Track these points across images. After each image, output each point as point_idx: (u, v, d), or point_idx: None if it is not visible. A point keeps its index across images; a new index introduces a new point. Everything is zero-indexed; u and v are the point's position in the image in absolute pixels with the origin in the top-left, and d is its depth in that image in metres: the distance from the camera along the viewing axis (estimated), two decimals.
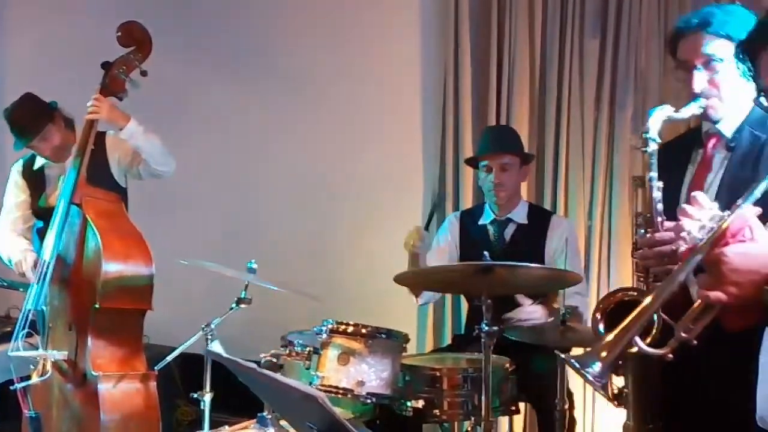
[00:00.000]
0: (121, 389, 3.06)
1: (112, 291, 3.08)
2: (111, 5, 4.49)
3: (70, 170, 3.28)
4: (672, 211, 1.49)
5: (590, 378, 1.39)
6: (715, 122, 2.14)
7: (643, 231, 2.03)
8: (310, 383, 2.80)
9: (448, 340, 4.05)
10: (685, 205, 1.51)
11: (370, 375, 2.81)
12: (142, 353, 3.18)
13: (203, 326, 2.93)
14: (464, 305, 3.88)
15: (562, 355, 1.46)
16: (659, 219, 2.01)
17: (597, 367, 1.39)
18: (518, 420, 3.83)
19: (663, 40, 3.93)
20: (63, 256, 3.20)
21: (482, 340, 2.71)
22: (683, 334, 1.45)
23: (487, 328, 2.70)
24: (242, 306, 3.02)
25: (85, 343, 3.08)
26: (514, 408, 3.05)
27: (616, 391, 2.28)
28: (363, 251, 4.37)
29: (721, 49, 2.06)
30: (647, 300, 1.45)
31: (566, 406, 2.97)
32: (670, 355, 1.45)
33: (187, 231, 4.53)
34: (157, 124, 3.54)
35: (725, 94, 2.09)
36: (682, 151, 2.24)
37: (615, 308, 2.03)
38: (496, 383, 2.88)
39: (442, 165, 4.25)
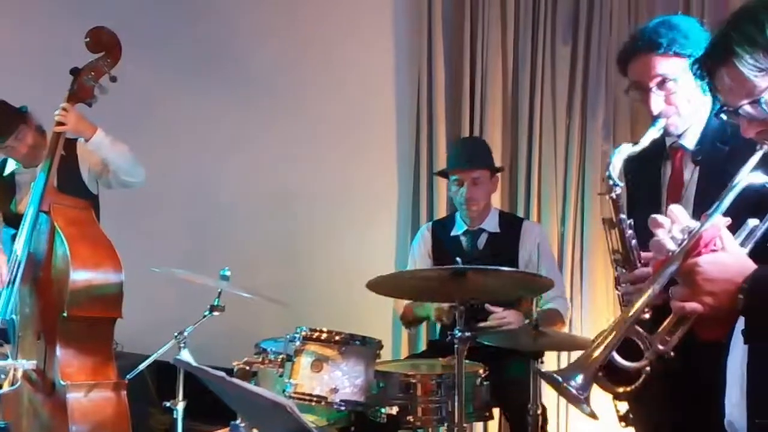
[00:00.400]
0: (90, 399, 3.02)
1: (80, 299, 3.05)
2: (79, 11, 4.45)
3: (39, 177, 3.24)
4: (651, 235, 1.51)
5: (573, 391, 1.39)
6: (678, 136, 2.19)
7: (621, 269, 2.09)
8: (284, 391, 2.78)
9: (423, 346, 4.05)
10: (656, 216, 1.52)
11: (344, 382, 2.81)
12: (113, 362, 3.14)
13: (176, 334, 2.91)
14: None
15: (543, 370, 1.45)
16: (635, 254, 2.06)
17: (579, 379, 1.39)
18: (492, 425, 3.83)
19: None
20: (32, 263, 3.16)
21: (455, 346, 2.71)
22: (660, 347, 1.46)
23: (460, 334, 2.70)
24: (215, 313, 3.01)
25: (53, 353, 3.05)
26: (487, 414, 3.05)
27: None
28: (338, 258, 4.36)
29: (672, 67, 2.10)
30: (622, 314, 1.45)
31: (539, 412, 2.97)
32: (648, 368, 1.46)
33: (160, 238, 4.49)
34: (127, 132, 3.52)
35: (683, 109, 2.14)
36: (650, 167, 2.27)
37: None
38: (470, 389, 2.89)
39: (416, 172, 4.26)
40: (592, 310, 3.94)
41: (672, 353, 1.46)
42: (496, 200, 3.89)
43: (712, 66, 1.53)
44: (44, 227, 3.16)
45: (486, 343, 3.01)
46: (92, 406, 3.03)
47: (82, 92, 3.31)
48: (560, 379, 1.39)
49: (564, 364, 3.96)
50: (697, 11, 3.89)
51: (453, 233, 3.59)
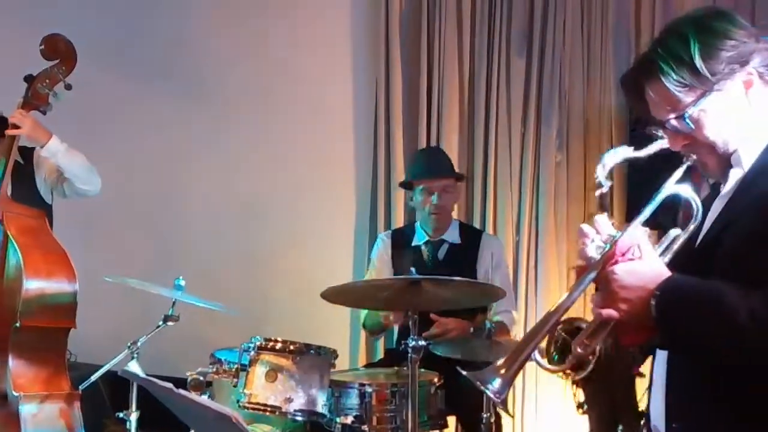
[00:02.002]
0: (43, 410, 2.98)
1: (33, 309, 3.00)
2: (35, 17, 4.41)
3: None
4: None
5: (490, 394, 1.42)
6: None
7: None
8: (238, 401, 2.78)
9: (381, 354, 4.08)
10: (583, 225, 1.56)
11: (299, 392, 2.82)
12: (66, 372, 3.10)
13: (129, 344, 2.89)
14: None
15: (464, 372, 1.49)
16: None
17: (496, 383, 1.42)
18: None
19: (586, 60, 4.06)
20: None
21: (409, 355, 2.73)
22: (579, 350, 1.50)
23: (413, 343, 2.73)
24: (170, 323, 2.99)
25: (5, 363, 3.00)
26: (442, 422, 3.08)
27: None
28: (296, 268, 4.37)
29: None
30: (542, 317, 1.49)
31: (492, 420, 3.01)
32: (569, 370, 1.51)
33: (115, 248, 4.45)
34: (85, 139, 3.49)
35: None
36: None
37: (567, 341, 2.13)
38: (424, 398, 2.91)
39: (374, 182, 4.30)
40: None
41: (590, 357, 1.51)
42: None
43: (639, 81, 1.57)
44: None
45: (439, 353, 3.05)
46: (45, 417, 2.99)
47: (36, 99, 3.28)
48: (479, 383, 1.43)
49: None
50: (647, 25, 4.00)
51: (414, 243, 3.62)
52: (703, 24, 1.52)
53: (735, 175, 1.56)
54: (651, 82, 1.54)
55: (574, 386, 2.69)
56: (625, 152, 2.07)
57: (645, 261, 1.47)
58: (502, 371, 1.43)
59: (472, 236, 3.65)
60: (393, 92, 4.24)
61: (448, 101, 4.19)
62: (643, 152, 2.07)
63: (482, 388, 1.42)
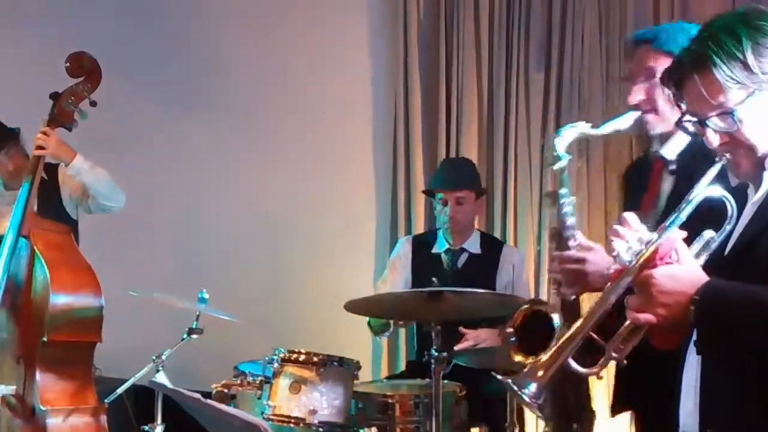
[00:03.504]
0: (70, 423, 3.01)
1: (60, 323, 3.04)
2: (61, 36, 4.48)
3: (18, 201, 3.25)
4: None
5: (526, 399, 1.42)
6: (653, 137, 2.13)
7: (554, 245, 2.08)
8: (262, 413, 2.80)
9: (403, 366, 4.08)
10: (616, 226, 1.54)
11: (322, 403, 2.83)
12: (92, 386, 3.13)
13: (154, 357, 2.92)
14: (417, 331, 3.92)
15: (499, 377, 1.49)
16: (570, 233, 2.06)
17: (533, 388, 1.43)
18: None
19: (604, 70, 4.07)
20: (11, 288, 3.16)
21: (432, 366, 2.74)
22: (614, 354, 1.49)
23: (436, 354, 2.74)
24: (193, 336, 3.01)
25: (33, 377, 3.04)
26: None
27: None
28: (318, 279, 4.39)
29: (663, 65, 2.00)
30: (580, 321, 1.48)
31: (516, 430, 3.01)
32: (602, 375, 1.50)
33: (139, 262, 4.49)
34: (108, 155, 3.54)
35: (664, 110, 2.08)
36: (641, 176, 2.25)
37: (526, 321, 2.10)
38: (447, 408, 2.91)
39: (394, 193, 4.32)
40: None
41: (625, 362, 1.49)
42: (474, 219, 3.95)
43: (686, 72, 1.53)
44: (24, 252, 3.16)
45: (462, 363, 3.06)
46: (72, 431, 3.02)
47: (62, 117, 3.32)
48: (515, 387, 1.44)
49: None
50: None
51: (435, 250, 3.64)
52: (752, 22, 1.50)
53: None
54: (701, 74, 1.51)
55: None
56: (583, 127, 2.05)
57: (684, 265, 1.46)
58: (539, 375, 1.43)
59: (492, 247, 3.66)
60: (412, 105, 4.27)
61: (467, 113, 4.21)
62: (598, 130, 2.04)
63: (519, 392, 1.42)
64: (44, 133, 3.27)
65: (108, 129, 4.06)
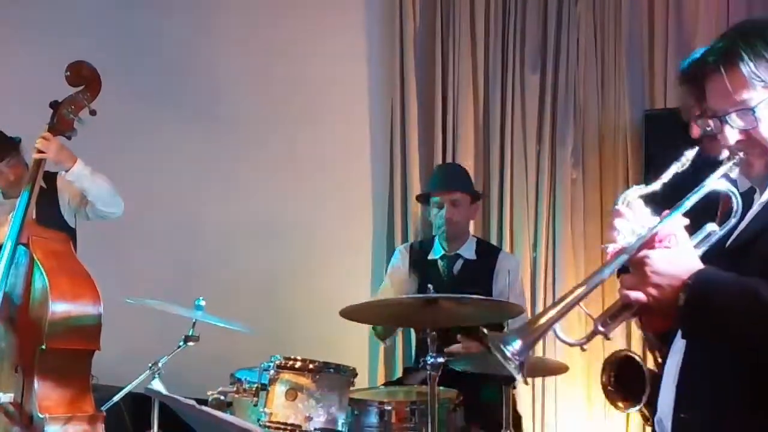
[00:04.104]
0: (68, 431, 3.02)
1: (59, 332, 3.05)
2: (60, 46, 4.51)
3: (18, 209, 3.27)
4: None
5: (509, 354, 1.42)
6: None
7: None
8: (258, 420, 2.81)
9: (399, 372, 4.10)
10: (619, 207, 1.57)
11: (318, 410, 2.84)
12: (90, 394, 3.14)
13: (150, 365, 2.93)
14: (414, 337, 3.94)
15: (486, 331, 1.50)
16: None
17: (517, 344, 1.43)
18: None
19: (600, 76, 4.09)
20: (9, 296, 3.17)
21: (428, 372, 2.75)
22: (600, 328, 1.52)
23: (431, 360, 2.75)
24: (190, 344, 3.01)
25: (31, 385, 3.04)
26: None
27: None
28: (314, 286, 4.40)
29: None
30: (577, 291, 1.50)
31: None
32: (585, 346, 1.52)
33: (136, 269, 4.51)
34: (105, 162, 3.56)
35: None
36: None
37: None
38: (444, 415, 2.93)
39: (390, 200, 4.34)
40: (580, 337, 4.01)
41: (609, 337, 1.53)
42: (470, 225, 3.96)
43: (711, 68, 1.57)
44: (23, 260, 3.17)
45: (458, 369, 3.07)
46: None
47: (61, 125, 3.34)
48: (499, 343, 1.44)
49: (537, 388, 4.03)
50: (661, 41, 4.02)
51: (431, 257, 3.66)
52: None
53: None
54: (728, 69, 1.54)
55: None
56: (639, 190, 2.02)
57: (681, 250, 1.50)
58: (525, 335, 1.44)
59: (488, 253, 3.68)
60: (408, 111, 4.29)
61: (463, 119, 4.23)
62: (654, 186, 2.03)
63: (502, 348, 1.42)
64: (45, 138, 3.29)
65: (105, 136, 4.08)
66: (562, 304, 1.48)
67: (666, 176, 1.97)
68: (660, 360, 2.02)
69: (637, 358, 2.54)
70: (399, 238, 4.28)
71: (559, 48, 4.12)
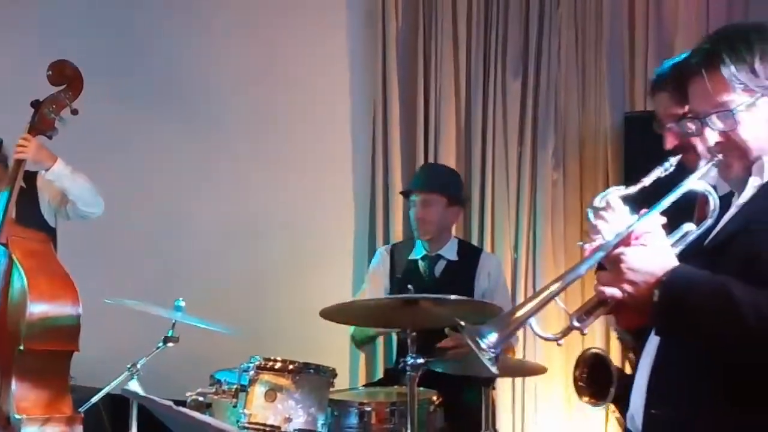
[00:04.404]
0: None
1: (37, 332, 3.03)
2: (43, 44, 4.48)
3: None
4: None
5: (484, 346, 1.44)
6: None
7: None
8: (237, 421, 2.80)
9: (380, 373, 4.10)
10: (598, 205, 1.59)
11: (298, 411, 2.83)
12: (69, 395, 3.12)
13: (129, 366, 2.92)
14: (396, 338, 3.94)
15: (462, 323, 1.50)
16: None
17: (493, 337, 1.44)
18: None
19: (581, 80, 4.12)
20: None
21: (407, 373, 2.76)
22: (576, 324, 1.54)
23: (411, 360, 2.76)
24: (169, 345, 3.01)
25: (9, 386, 3.02)
26: None
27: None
28: (293, 287, 4.40)
29: None
30: (553, 287, 1.51)
31: None
32: (560, 342, 1.54)
33: (116, 269, 4.49)
34: (85, 162, 3.54)
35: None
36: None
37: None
38: (423, 416, 2.93)
39: (372, 202, 4.35)
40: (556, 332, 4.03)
41: (585, 332, 1.55)
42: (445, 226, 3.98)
43: (695, 70, 1.59)
44: (1, 260, 3.14)
45: (439, 370, 3.08)
46: None
47: (42, 124, 3.32)
48: (475, 335, 1.45)
49: (517, 389, 4.05)
50: (641, 45, 4.06)
51: (412, 257, 3.67)
52: (765, 33, 1.57)
53: (753, 184, 1.59)
54: (709, 71, 1.56)
55: None
56: (616, 191, 2.04)
57: (657, 248, 1.51)
58: (501, 328, 1.46)
59: (470, 254, 3.68)
60: (390, 114, 4.30)
61: (444, 122, 4.25)
62: (634, 188, 2.05)
63: (478, 340, 1.43)
64: (24, 139, 3.28)
65: (86, 135, 4.06)
66: (539, 298, 1.50)
67: (647, 180, 2.00)
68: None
69: (606, 356, 2.57)
70: (381, 239, 4.28)
71: (541, 51, 4.14)
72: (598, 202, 1.91)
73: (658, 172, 2.02)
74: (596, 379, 2.52)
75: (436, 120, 4.26)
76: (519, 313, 1.50)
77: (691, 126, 1.63)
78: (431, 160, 4.24)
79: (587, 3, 4.13)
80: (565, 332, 1.55)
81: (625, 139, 4.01)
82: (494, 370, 1.46)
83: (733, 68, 1.53)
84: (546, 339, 1.54)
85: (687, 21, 4.00)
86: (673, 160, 2.07)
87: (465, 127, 4.27)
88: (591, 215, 2.03)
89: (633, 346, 2.15)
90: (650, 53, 4.02)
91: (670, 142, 2.11)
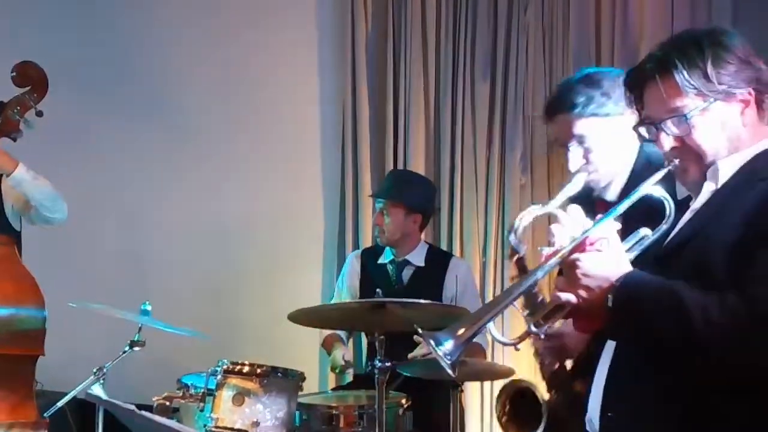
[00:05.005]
0: None
1: (2, 336, 2.98)
2: (6, 44, 4.42)
3: None
4: None
5: (440, 354, 1.45)
6: (601, 189, 2.22)
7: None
8: (204, 426, 2.79)
9: (350, 377, 4.09)
10: (557, 211, 1.63)
11: (266, 415, 2.83)
12: (34, 400, 3.07)
13: (95, 370, 2.89)
14: (365, 342, 3.95)
15: (420, 330, 1.52)
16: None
17: (449, 344, 1.46)
18: None
19: (548, 84, 4.16)
20: None
21: (375, 376, 2.76)
22: (533, 329, 1.56)
23: (380, 364, 2.76)
24: (136, 349, 2.98)
25: None
26: None
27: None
28: (262, 291, 4.38)
29: (589, 127, 2.15)
30: (506, 293, 1.57)
31: None
32: (519, 347, 1.57)
33: (82, 272, 4.43)
34: (51, 163, 3.50)
35: (602, 166, 2.18)
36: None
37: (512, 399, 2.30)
38: (392, 419, 2.94)
39: (342, 205, 4.36)
40: (513, 337, 4.05)
41: (543, 336, 1.57)
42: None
43: (648, 76, 1.61)
44: None
45: (407, 373, 3.08)
46: None
47: (6, 126, 3.26)
48: (431, 341, 1.46)
49: (486, 393, 4.07)
50: (607, 50, 4.10)
51: (381, 261, 3.69)
52: (717, 38, 1.59)
53: (707, 188, 1.61)
54: (662, 77, 1.59)
55: None
56: (535, 210, 2.09)
57: (611, 254, 1.53)
58: (457, 334, 1.47)
59: (438, 259, 3.69)
60: (360, 117, 4.31)
61: (413, 124, 4.26)
62: (549, 206, 2.03)
63: (434, 347, 1.45)
64: None
65: (53, 137, 4.00)
66: (497, 305, 1.53)
67: (560, 199, 2.06)
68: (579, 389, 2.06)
69: (533, 388, 2.53)
70: (350, 243, 4.29)
71: (509, 56, 4.18)
72: (517, 224, 1.99)
73: (568, 191, 2.11)
74: (522, 411, 2.48)
75: (406, 124, 4.28)
76: (476, 320, 1.52)
77: (646, 132, 1.65)
78: (401, 164, 4.26)
79: (554, 9, 4.16)
80: (523, 337, 1.57)
81: None
82: (452, 373, 1.48)
83: (685, 73, 1.56)
84: (504, 344, 1.56)
85: (652, 26, 4.05)
86: (580, 178, 2.15)
87: (434, 131, 4.29)
88: (512, 238, 2.08)
89: (555, 384, 2.14)
90: (616, 57, 4.07)
91: (574, 164, 2.16)
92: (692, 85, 1.56)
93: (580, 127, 2.16)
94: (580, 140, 2.17)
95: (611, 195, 2.23)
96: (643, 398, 1.53)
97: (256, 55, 4.53)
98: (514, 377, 2.71)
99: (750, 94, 1.58)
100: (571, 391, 2.12)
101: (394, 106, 4.29)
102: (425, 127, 4.29)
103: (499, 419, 2.47)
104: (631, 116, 2.09)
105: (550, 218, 1.91)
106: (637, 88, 1.66)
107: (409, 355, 3.26)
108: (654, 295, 1.47)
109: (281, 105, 4.49)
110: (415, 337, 3.26)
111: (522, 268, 2.21)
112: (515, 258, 2.18)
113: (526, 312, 1.63)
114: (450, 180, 4.23)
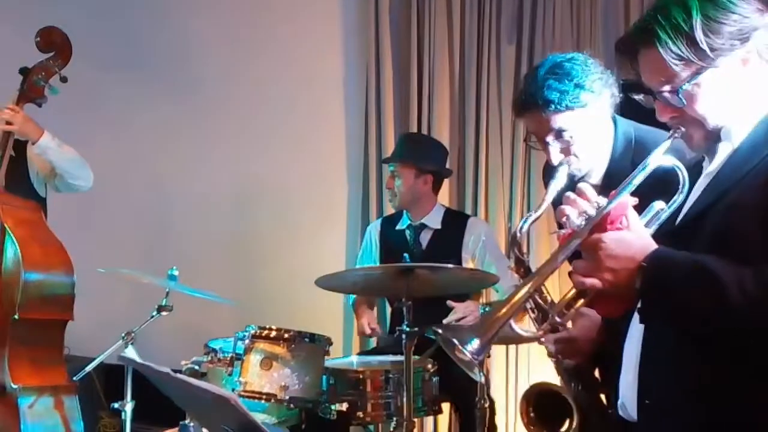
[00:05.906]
0: (41, 401, 2.99)
1: (32, 301, 3.01)
2: (30, 11, 4.41)
3: None
4: None
5: (467, 353, 1.37)
6: (582, 177, 2.15)
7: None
8: (233, 390, 2.81)
9: (374, 342, 4.10)
10: (569, 193, 1.53)
11: (293, 379, 2.85)
12: (63, 364, 3.11)
13: (123, 335, 2.91)
14: (389, 308, 3.95)
15: (440, 331, 1.45)
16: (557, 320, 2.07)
17: (475, 343, 1.38)
18: (443, 419, 3.91)
19: (575, 46, 4.08)
20: None
21: (403, 341, 2.76)
22: (557, 319, 1.49)
23: (407, 329, 2.76)
24: (163, 314, 3.00)
25: (3, 356, 3.01)
26: (436, 408, 3.10)
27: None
28: (288, 256, 4.40)
29: (566, 120, 2.07)
30: (527, 284, 1.46)
31: (487, 405, 3.03)
32: (543, 339, 1.51)
33: (108, 239, 4.47)
34: (75, 130, 3.50)
35: (583, 155, 2.12)
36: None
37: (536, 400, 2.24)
38: (419, 384, 2.94)
39: (365, 171, 4.33)
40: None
41: (567, 325, 1.50)
42: (444, 195, 3.95)
43: (633, 47, 1.52)
44: None
45: (434, 337, 3.07)
46: (43, 409, 3.00)
47: (32, 92, 3.29)
48: (457, 342, 1.38)
49: (511, 358, 4.06)
50: (636, 10, 4.01)
51: (399, 227, 3.68)
52: None
53: (724, 150, 1.52)
54: (647, 49, 1.49)
55: None
56: (533, 216, 1.99)
57: (633, 231, 1.45)
58: (481, 332, 1.40)
59: (455, 221, 3.67)
60: (384, 80, 4.27)
61: (438, 88, 4.21)
62: (544, 205, 1.94)
63: (461, 347, 1.37)
64: (11, 109, 3.23)
65: (77, 106, 4.02)
66: (517, 297, 1.43)
67: (549, 197, 1.96)
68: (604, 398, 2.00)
69: (553, 386, 2.43)
70: (374, 207, 4.27)
71: (535, 17, 4.10)
72: (518, 236, 1.88)
73: (555, 186, 1.98)
74: (548, 414, 2.44)
75: (430, 86, 4.23)
76: (499, 314, 1.42)
77: (645, 100, 1.58)
78: (425, 128, 4.22)
79: None
80: (546, 329, 1.52)
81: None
82: (478, 377, 1.42)
83: (670, 46, 1.45)
84: (528, 338, 1.50)
85: None
86: (563, 171, 2.03)
87: (459, 96, 4.23)
88: (515, 251, 1.99)
89: (575, 379, 2.10)
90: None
91: (555, 158, 2.09)
92: (678, 56, 1.45)
93: (557, 122, 2.09)
94: (558, 135, 2.10)
95: (595, 179, 2.17)
96: (681, 383, 1.46)
97: (280, 23, 4.49)
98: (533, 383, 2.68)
99: (749, 51, 1.46)
100: (593, 382, 2.08)
101: (419, 70, 4.23)
102: (450, 92, 4.23)
103: (527, 427, 2.43)
104: (608, 96, 2.10)
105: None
106: (627, 54, 1.55)
107: (444, 321, 3.24)
108: (685, 273, 1.38)
109: (306, 73, 4.46)
110: (448, 302, 3.26)
111: (527, 270, 2.14)
112: (521, 269, 2.10)
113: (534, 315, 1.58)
114: (475, 145, 4.18)
